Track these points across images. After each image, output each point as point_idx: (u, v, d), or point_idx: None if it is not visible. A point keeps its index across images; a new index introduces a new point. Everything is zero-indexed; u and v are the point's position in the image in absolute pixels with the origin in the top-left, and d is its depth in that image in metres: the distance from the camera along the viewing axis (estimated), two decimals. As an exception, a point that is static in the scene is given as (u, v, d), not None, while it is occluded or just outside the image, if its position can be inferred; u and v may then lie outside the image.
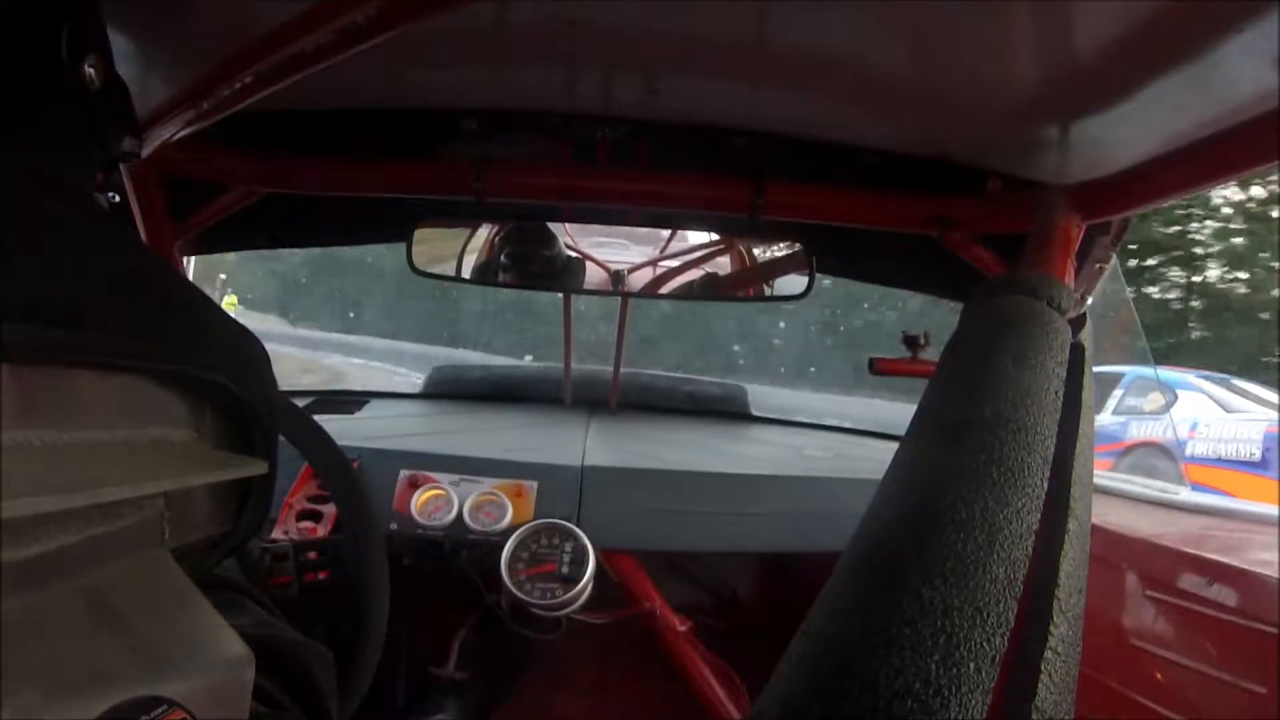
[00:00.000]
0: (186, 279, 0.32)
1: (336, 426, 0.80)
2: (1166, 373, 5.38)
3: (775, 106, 0.71)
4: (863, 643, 0.23)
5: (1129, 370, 5.48)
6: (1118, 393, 5.38)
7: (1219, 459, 4.63)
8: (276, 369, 0.37)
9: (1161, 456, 4.84)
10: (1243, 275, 7.53)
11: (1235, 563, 0.70)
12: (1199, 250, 7.79)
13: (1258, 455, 4.46)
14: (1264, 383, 5.39)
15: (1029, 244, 0.64)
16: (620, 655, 1.21)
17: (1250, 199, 7.50)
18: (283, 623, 0.50)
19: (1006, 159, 0.72)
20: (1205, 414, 4.90)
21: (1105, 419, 5.12)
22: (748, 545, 1.02)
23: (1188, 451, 4.77)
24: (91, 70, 0.31)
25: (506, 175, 0.83)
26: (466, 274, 1.11)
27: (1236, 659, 0.68)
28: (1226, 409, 4.89)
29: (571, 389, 1.41)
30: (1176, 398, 5.10)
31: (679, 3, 0.50)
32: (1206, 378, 5.28)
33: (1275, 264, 7.11)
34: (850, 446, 1.37)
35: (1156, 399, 5.16)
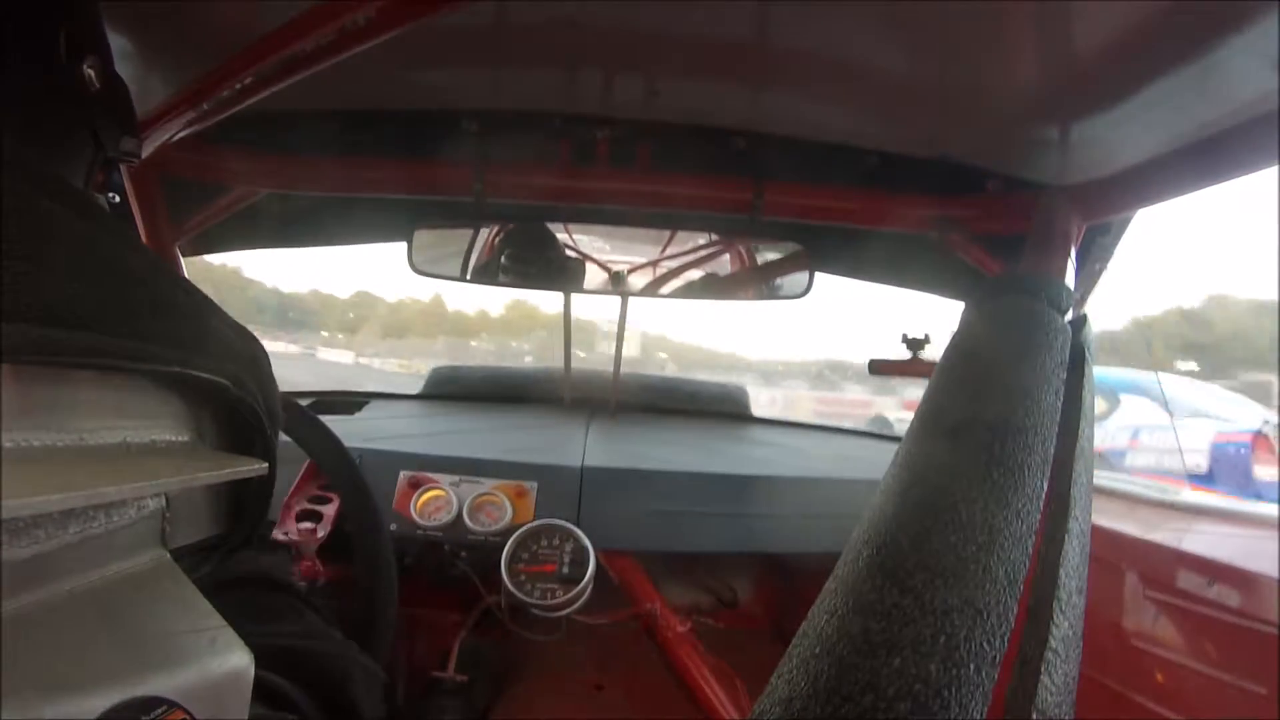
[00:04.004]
0: (187, 279, 0.32)
1: (337, 427, 0.80)
2: (1112, 373, 4.63)
3: (775, 107, 0.71)
4: (863, 643, 0.23)
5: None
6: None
7: (1160, 471, 3.79)
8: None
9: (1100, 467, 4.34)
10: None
11: (1234, 562, 0.70)
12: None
13: (1204, 468, 3.80)
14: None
15: (1029, 244, 0.64)
16: (620, 655, 1.20)
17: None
18: (336, 634, 0.50)
19: (1006, 160, 0.72)
20: (1149, 419, 4.21)
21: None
22: (748, 546, 1.02)
23: (1126, 463, 4.05)
24: (90, 71, 0.32)
25: (506, 176, 0.83)
26: (467, 275, 1.11)
27: (1236, 659, 0.68)
28: (1174, 413, 4.17)
29: (571, 389, 1.41)
30: (1119, 402, 4.46)
31: (679, 3, 0.50)
32: (1156, 376, 4.66)
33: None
34: (850, 447, 1.37)
35: (1099, 404, 4.64)
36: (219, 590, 0.44)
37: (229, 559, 0.41)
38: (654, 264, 1.14)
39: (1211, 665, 0.70)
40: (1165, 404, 4.20)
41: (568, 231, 1.08)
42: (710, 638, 1.04)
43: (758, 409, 1.57)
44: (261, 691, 0.38)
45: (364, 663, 0.48)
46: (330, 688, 0.44)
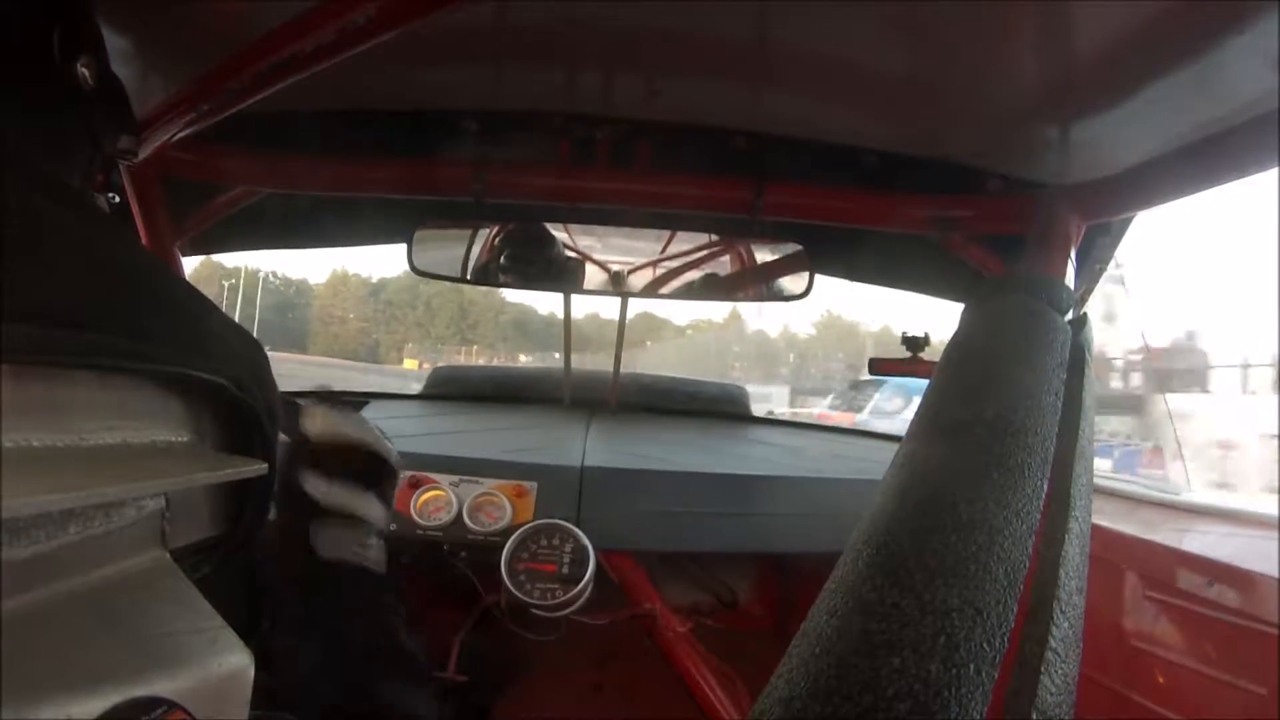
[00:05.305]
0: (186, 279, 0.32)
1: (336, 427, 0.80)
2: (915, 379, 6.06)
3: (775, 107, 0.71)
4: (863, 643, 0.23)
5: (891, 377, 6.69)
6: (876, 396, 6.56)
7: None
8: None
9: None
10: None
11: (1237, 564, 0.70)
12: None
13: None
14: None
15: (1029, 244, 0.64)
16: (620, 656, 1.20)
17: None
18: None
19: (1007, 159, 0.72)
20: None
21: (862, 418, 6.20)
22: (748, 545, 1.02)
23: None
24: (85, 70, 0.32)
25: (506, 176, 0.83)
26: (466, 275, 1.11)
27: (1237, 659, 0.68)
28: None
29: (571, 389, 1.41)
30: (910, 401, 5.90)
31: (679, 3, 0.50)
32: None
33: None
34: (850, 447, 1.37)
35: (898, 401, 6.25)
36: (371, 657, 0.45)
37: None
38: (654, 264, 1.14)
39: (1211, 665, 0.70)
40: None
41: (568, 231, 1.08)
42: (710, 638, 1.04)
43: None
44: None
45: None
46: None
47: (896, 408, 6.36)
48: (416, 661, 0.50)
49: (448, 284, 1.14)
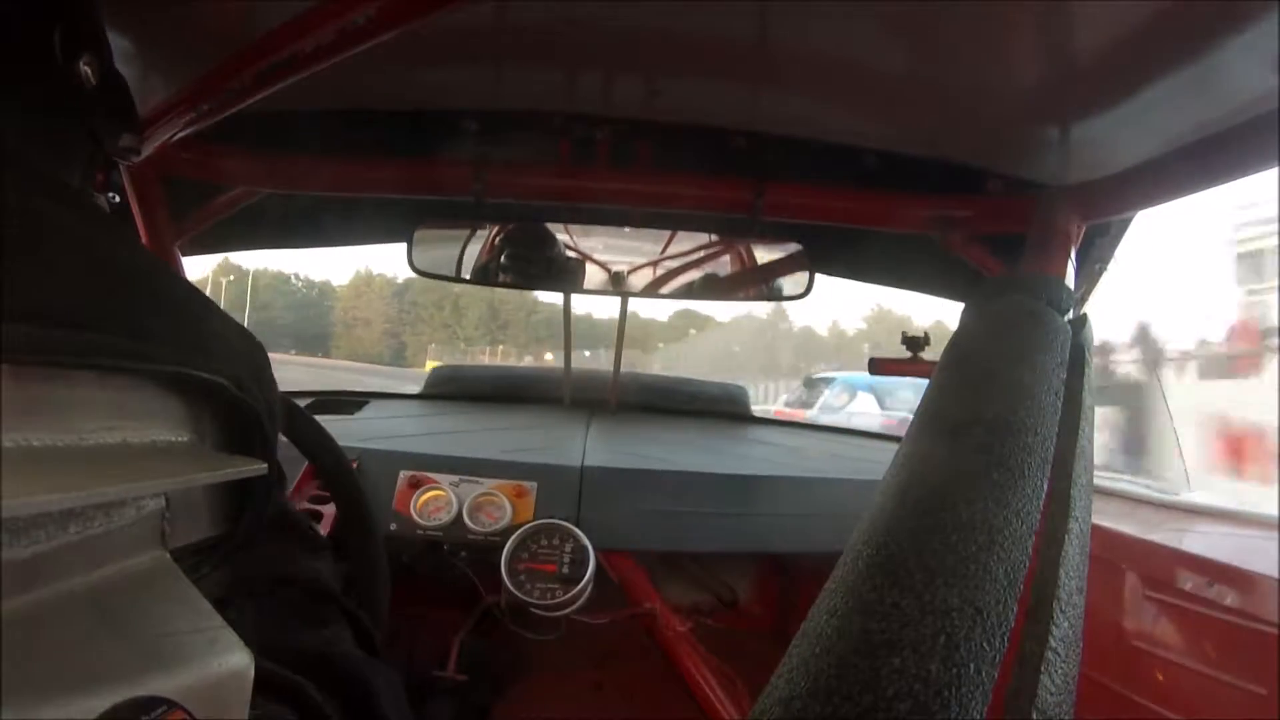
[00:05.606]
0: (186, 279, 0.32)
1: (336, 427, 0.80)
2: (859, 376, 6.69)
3: (775, 107, 0.71)
4: (863, 642, 0.23)
5: (839, 375, 7.40)
6: (826, 393, 7.19)
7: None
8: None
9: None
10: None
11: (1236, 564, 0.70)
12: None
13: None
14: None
15: (1029, 244, 0.64)
16: (620, 655, 1.20)
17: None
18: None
19: (1006, 159, 0.72)
20: (865, 409, 6.42)
21: (811, 413, 6.87)
22: (748, 545, 1.02)
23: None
24: (87, 69, 0.31)
25: (506, 176, 0.83)
26: (466, 274, 1.11)
27: (1236, 659, 0.68)
28: (881, 406, 6.42)
29: (571, 389, 1.41)
30: (855, 397, 6.70)
31: (679, 3, 0.50)
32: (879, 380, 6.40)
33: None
34: (850, 447, 1.36)
35: (844, 397, 6.88)
36: (270, 587, 0.45)
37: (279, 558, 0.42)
38: (654, 264, 1.14)
39: (1211, 665, 0.70)
40: (879, 399, 6.48)
41: (568, 231, 1.08)
42: (710, 638, 1.04)
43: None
44: (288, 695, 0.39)
45: (385, 670, 0.49)
46: (352, 694, 0.45)
47: (843, 403, 6.96)
48: (293, 517, 0.49)
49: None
